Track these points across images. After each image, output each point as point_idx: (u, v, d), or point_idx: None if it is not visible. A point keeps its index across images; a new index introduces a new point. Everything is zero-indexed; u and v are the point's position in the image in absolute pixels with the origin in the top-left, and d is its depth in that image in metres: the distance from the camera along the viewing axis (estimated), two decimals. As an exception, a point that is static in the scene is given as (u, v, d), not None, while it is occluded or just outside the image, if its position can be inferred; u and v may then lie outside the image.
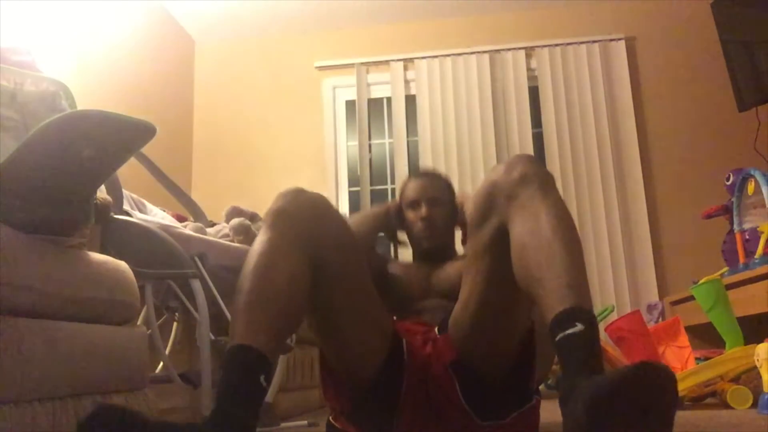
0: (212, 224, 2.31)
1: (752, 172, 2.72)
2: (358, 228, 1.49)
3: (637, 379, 0.76)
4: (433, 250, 1.64)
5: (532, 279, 0.99)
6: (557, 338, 0.89)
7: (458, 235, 1.72)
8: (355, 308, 1.21)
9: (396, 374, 1.27)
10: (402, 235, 1.76)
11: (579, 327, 0.87)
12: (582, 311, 0.90)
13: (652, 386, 0.77)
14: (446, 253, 1.67)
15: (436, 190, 1.68)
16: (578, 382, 0.81)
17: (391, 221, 1.72)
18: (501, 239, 1.09)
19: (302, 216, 1.13)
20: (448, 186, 1.73)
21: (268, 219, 1.13)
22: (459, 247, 1.72)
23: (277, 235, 1.10)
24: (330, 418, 1.39)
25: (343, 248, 1.18)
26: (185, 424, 0.89)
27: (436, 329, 1.38)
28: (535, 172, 1.09)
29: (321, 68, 4.10)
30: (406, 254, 1.77)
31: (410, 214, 1.67)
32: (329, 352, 1.28)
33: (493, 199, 1.12)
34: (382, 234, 1.74)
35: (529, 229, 1.03)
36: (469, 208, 1.23)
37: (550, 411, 1.32)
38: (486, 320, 1.21)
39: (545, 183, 1.08)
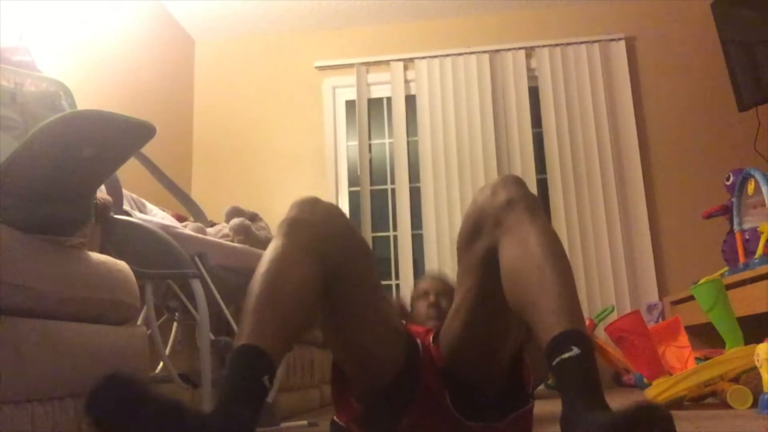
0: (212, 224, 2.31)
1: (752, 172, 2.72)
2: None
3: (636, 420, 0.76)
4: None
5: (525, 303, 1.00)
6: (554, 362, 0.90)
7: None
8: (372, 311, 1.23)
9: (413, 374, 1.29)
10: None
11: (576, 351, 0.89)
12: (578, 334, 0.91)
13: (652, 426, 0.76)
14: None
15: (445, 285, 1.74)
16: (579, 410, 0.82)
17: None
18: (490, 259, 1.11)
19: (317, 225, 1.14)
20: (453, 288, 1.81)
21: (283, 227, 1.14)
22: None
23: (290, 243, 1.11)
24: (335, 416, 1.41)
25: (358, 255, 1.19)
26: (193, 409, 0.87)
27: (431, 337, 1.40)
28: (521, 196, 1.10)
29: (321, 68, 4.10)
30: None
31: (420, 304, 1.71)
32: (346, 358, 1.30)
33: (480, 223, 1.13)
34: None
35: (519, 254, 1.04)
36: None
37: (551, 407, 1.32)
38: (474, 334, 1.23)
39: (531, 207, 1.09)
